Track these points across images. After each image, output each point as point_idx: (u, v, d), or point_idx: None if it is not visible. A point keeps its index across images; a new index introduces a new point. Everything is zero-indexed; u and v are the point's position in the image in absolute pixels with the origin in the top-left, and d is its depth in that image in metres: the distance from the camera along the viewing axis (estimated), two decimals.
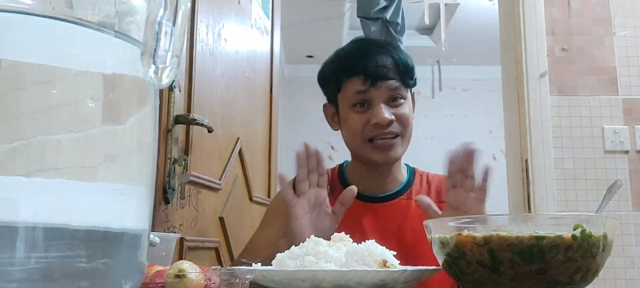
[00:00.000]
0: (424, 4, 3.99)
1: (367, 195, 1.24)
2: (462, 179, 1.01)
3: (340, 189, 1.20)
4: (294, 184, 1.12)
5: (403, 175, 1.29)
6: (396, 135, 1.20)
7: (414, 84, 1.26)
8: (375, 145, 1.19)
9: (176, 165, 1.47)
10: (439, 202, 1.20)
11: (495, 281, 0.57)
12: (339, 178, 1.32)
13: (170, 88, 1.44)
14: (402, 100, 1.21)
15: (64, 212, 0.36)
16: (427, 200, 1.05)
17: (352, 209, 1.14)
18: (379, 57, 1.21)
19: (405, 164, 1.31)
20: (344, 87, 1.22)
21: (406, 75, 1.22)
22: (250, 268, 0.69)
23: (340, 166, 1.36)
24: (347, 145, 1.27)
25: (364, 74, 1.18)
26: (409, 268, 0.70)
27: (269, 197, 2.18)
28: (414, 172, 1.33)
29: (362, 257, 0.70)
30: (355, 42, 1.32)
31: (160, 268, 0.58)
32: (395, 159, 1.23)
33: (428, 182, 1.29)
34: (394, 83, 1.19)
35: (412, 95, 1.29)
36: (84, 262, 0.37)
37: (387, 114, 1.17)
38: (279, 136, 2.49)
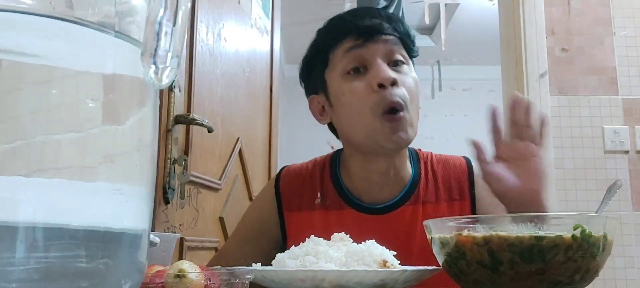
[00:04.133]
0: (424, 4, 3.99)
1: (369, 206, 1.03)
2: (518, 130, 0.86)
3: (334, 195, 1.05)
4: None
5: (407, 171, 1.06)
6: (402, 109, 0.96)
7: (416, 54, 1.05)
8: (385, 119, 0.95)
9: (176, 165, 1.47)
10: (449, 199, 1.04)
11: (495, 281, 0.57)
12: (332, 180, 1.08)
13: (170, 88, 1.44)
14: (404, 66, 1.00)
15: (64, 212, 0.36)
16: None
17: (352, 222, 0.99)
18: (371, 16, 1.00)
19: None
20: (331, 57, 1.01)
21: (407, 34, 1.01)
22: (250, 268, 0.69)
23: (332, 161, 1.11)
24: (344, 133, 1.04)
25: (356, 31, 0.98)
26: (409, 268, 0.70)
27: None
28: (418, 160, 1.09)
29: (362, 257, 0.70)
30: (339, 13, 1.09)
31: (160, 268, 0.58)
32: (407, 142, 0.99)
33: (434, 174, 1.07)
34: (393, 39, 0.99)
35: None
36: (84, 262, 0.37)
37: (390, 71, 0.96)
38: (279, 136, 2.49)
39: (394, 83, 0.96)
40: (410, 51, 1.03)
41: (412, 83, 0.99)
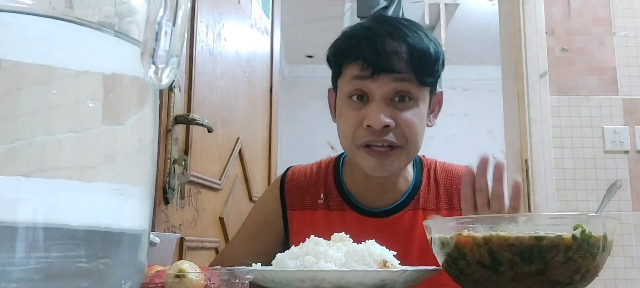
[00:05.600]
0: (424, 4, 3.99)
1: (369, 209, 1.05)
2: (484, 199, 0.84)
3: (336, 197, 1.07)
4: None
5: (409, 177, 1.07)
6: (395, 147, 0.96)
7: (434, 82, 1.00)
8: (369, 152, 0.96)
9: (176, 165, 1.47)
10: (450, 208, 1.06)
11: (495, 281, 0.57)
12: (335, 182, 1.10)
13: (170, 88, 1.44)
14: (410, 102, 0.96)
15: (64, 212, 0.36)
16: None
17: (353, 224, 1.02)
18: (386, 40, 0.95)
19: None
20: (343, 72, 1.00)
21: (421, 67, 0.95)
22: (250, 268, 0.69)
23: (336, 163, 1.13)
24: (341, 143, 1.06)
25: (364, 59, 0.94)
26: (409, 268, 0.70)
27: None
28: (421, 167, 1.09)
29: (362, 257, 0.70)
30: (369, 21, 1.05)
31: (160, 268, 0.58)
32: (391, 173, 1.00)
33: (436, 181, 1.08)
34: (400, 76, 0.94)
35: (437, 96, 1.04)
36: (84, 262, 0.37)
37: (383, 116, 0.93)
38: (279, 136, 2.49)
39: (386, 128, 0.94)
40: (425, 83, 0.97)
41: (414, 122, 0.96)
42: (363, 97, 0.96)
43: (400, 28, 0.97)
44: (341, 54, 1.00)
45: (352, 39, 1.00)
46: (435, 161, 1.12)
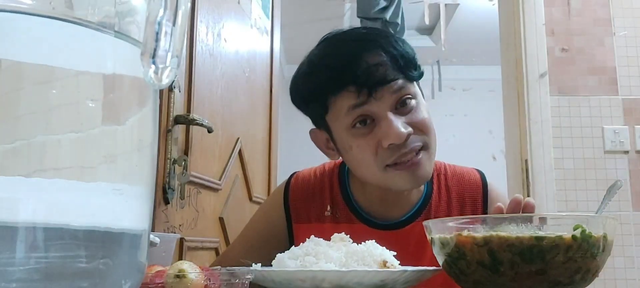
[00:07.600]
0: (424, 4, 3.99)
1: (379, 222, 1.02)
2: None
3: (344, 208, 1.03)
4: None
5: (420, 187, 1.03)
6: (420, 149, 0.92)
7: (421, 75, 0.97)
8: (399, 169, 0.91)
9: (176, 165, 1.47)
10: (462, 211, 1.02)
11: (495, 281, 0.57)
12: (342, 193, 1.05)
13: (170, 88, 1.44)
14: (412, 102, 0.93)
15: (64, 212, 0.36)
16: None
17: (362, 239, 0.93)
18: (368, 56, 0.91)
19: None
20: (332, 106, 0.93)
21: (408, 67, 0.93)
22: (250, 268, 0.69)
23: (341, 173, 1.08)
24: (356, 175, 1.01)
25: (355, 83, 0.89)
26: (409, 268, 0.70)
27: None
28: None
29: (362, 257, 0.70)
30: (330, 44, 0.99)
31: (160, 268, 0.58)
32: (426, 179, 0.95)
33: (447, 188, 1.04)
34: (397, 83, 0.91)
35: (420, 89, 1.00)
36: (84, 262, 0.37)
37: (401, 127, 0.89)
38: (279, 136, 2.49)
39: (408, 137, 0.90)
40: (414, 79, 0.95)
41: (425, 116, 0.93)
42: (366, 121, 0.91)
43: (371, 39, 0.94)
44: (324, 88, 0.93)
45: (328, 68, 0.93)
46: (445, 165, 1.08)
